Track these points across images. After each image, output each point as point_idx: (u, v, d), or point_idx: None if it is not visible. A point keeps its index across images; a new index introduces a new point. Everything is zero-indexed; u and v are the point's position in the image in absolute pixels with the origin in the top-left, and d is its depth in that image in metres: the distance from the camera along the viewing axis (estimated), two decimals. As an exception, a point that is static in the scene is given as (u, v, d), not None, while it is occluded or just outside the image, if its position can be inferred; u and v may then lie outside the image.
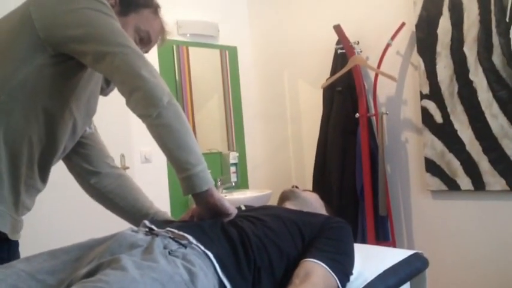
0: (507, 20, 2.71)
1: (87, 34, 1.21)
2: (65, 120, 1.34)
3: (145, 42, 1.45)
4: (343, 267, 1.45)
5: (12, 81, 1.22)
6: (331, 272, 1.39)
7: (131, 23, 1.40)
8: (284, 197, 1.83)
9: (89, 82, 1.38)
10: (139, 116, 1.26)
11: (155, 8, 1.48)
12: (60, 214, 2.74)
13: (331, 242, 1.49)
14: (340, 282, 1.41)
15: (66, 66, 1.27)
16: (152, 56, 3.36)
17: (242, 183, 3.84)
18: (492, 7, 2.76)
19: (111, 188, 1.62)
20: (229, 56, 3.87)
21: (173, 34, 3.49)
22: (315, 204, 1.82)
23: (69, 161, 1.59)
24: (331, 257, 1.43)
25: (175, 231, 1.31)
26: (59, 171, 1.52)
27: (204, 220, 1.43)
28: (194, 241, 1.27)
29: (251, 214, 1.55)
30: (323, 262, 1.40)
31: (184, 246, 1.25)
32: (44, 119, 1.28)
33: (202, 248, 1.26)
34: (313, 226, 1.55)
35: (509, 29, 2.71)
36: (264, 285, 1.34)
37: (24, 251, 1.37)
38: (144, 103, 1.23)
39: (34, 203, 1.40)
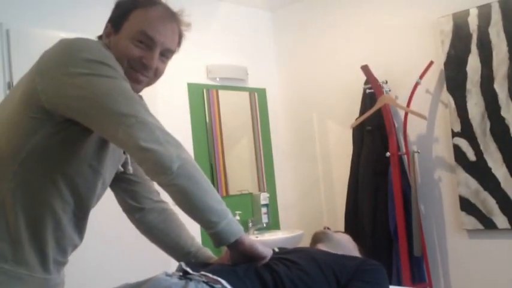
0: (537, 56, 2.70)
1: (88, 107, 1.20)
2: (89, 180, 1.35)
3: (147, 44, 1.32)
4: (379, 311, 1.42)
5: (22, 152, 1.23)
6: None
7: (125, 34, 1.32)
8: (316, 238, 1.81)
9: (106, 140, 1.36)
10: (155, 182, 1.29)
11: (144, 3, 1.34)
12: (105, 256, 2.82)
13: (366, 286, 1.46)
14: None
15: (74, 131, 1.26)
16: (183, 100, 3.44)
17: (273, 224, 3.82)
18: (521, 43, 2.76)
19: (154, 223, 1.62)
20: (259, 98, 3.92)
21: (203, 78, 3.59)
22: (348, 246, 1.80)
23: (116, 195, 1.61)
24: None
25: (210, 275, 1.31)
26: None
27: (239, 264, 1.43)
28: (228, 286, 1.27)
29: (285, 257, 1.53)
30: (358, 306, 1.38)
31: (218, 290, 1.25)
32: (65, 184, 1.29)
33: (236, 292, 1.25)
34: (348, 269, 1.53)
35: (540, 65, 2.69)
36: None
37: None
38: (154, 173, 1.24)
39: (70, 255, 1.41)
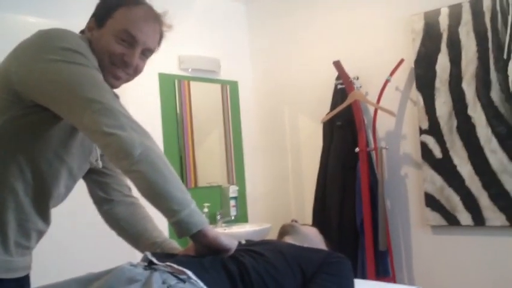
0: (505, 57, 2.76)
1: (57, 91, 1.23)
2: (53, 167, 1.36)
3: (130, 42, 1.36)
4: (343, 304, 1.44)
5: None
6: (331, 308, 1.38)
7: (109, 30, 1.35)
8: (284, 231, 1.82)
9: (76, 128, 1.37)
10: (117, 168, 1.29)
11: (129, 2, 1.38)
12: (72, 244, 2.81)
13: (331, 278, 1.48)
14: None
15: (43, 116, 1.28)
16: (154, 90, 3.41)
17: (241, 217, 3.82)
18: (490, 44, 2.81)
19: (122, 215, 1.64)
20: (230, 91, 3.91)
21: (175, 69, 3.56)
22: (315, 239, 1.81)
23: (87, 186, 1.64)
24: (330, 293, 1.42)
25: (175, 266, 1.30)
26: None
27: (204, 256, 1.43)
28: (193, 277, 1.26)
29: (252, 249, 1.54)
30: (322, 298, 1.39)
31: (183, 281, 1.24)
32: (28, 167, 1.30)
33: (201, 284, 1.25)
34: (314, 262, 1.54)
35: (507, 65, 2.75)
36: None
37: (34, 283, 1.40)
38: (116, 158, 1.25)
39: (37, 241, 1.42)
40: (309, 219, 3.44)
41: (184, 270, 1.28)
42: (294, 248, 1.65)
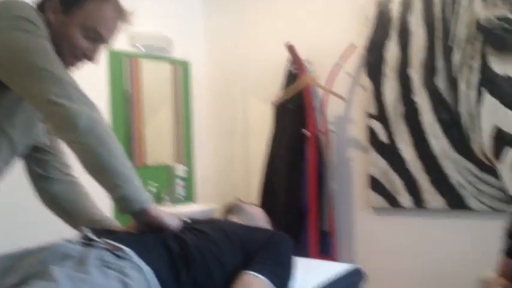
0: (451, 45, 2.83)
1: (7, 58, 1.21)
2: None
3: (95, 39, 1.37)
4: (282, 281, 1.46)
5: None
6: (269, 285, 1.40)
7: (76, 21, 1.33)
8: (228, 210, 1.83)
9: (22, 101, 1.34)
10: (61, 140, 1.27)
11: None
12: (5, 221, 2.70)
13: (271, 256, 1.49)
14: (278, 296, 1.41)
15: None
16: (101, 66, 3.31)
17: (189, 197, 3.81)
18: (438, 33, 2.87)
19: (60, 193, 1.61)
20: (182, 70, 3.85)
21: (124, 45, 3.47)
22: (259, 218, 1.82)
23: (24, 163, 1.60)
24: (270, 270, 1.43)
25: (113, 243, 1.28)
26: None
27: (146, 233, 1.41)
28: (132, 254, 1.25)
29: (195, 227, 1.54)
30: (262, 275, 1.40)
31: (122, 258, 1.22)
32: None
33: (140, 261, 1.24)
34: (258, 241, 1.55)
35: (453, 53, 2.83)
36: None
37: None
38: (60, 129, 1.23)
39: None
40: (257, 200, 3.46)
41: (123, 247, 1.27)
42: (238, 226, 1.66)
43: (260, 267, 1.43)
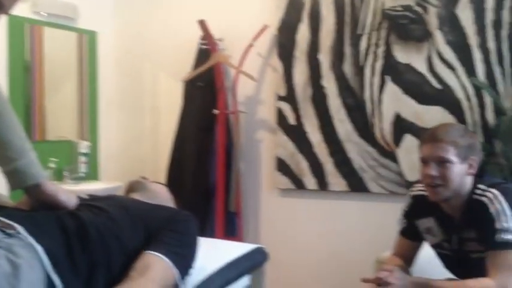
0: (359, 32, 2.92)
1: None
2: None
3: None
4: (184, 261, 1.44)
5: None
6: (171, 265, 1.37)
7: None
8: (131, 187, 1.77)
9: None
10: None
11: None
12: None
13: (174, 235, 1.47)
14: (179, 276, 1.39)
15: None
16: (0, 33, 3.09)
17: (92, 175, 3.66)
18: (347, 18, 2.95)
19: None
20: (89, 41, 3.66)
21: (26, 11, 3.24)
22: (163, 196, 1.79)
23: None
24: (173, 250, 1.41)
25: (3, 219, 1.20)
26: None
27: (38, 210, 1.33)
28: (23, 231, 1.18)
29: (94, 204, 1.47)
30: (164, 255, 1.38)
31: (11, 236, 1.15)
32: None
33: (31, 239, 1.17)
34: (160, 219, 1.52)
35: (360, 40, 2.91)
36: (99, 282, 1.28)
37: None
38: None
39: None
40: (164, 179, 3.40)
41: (14, 224, 1.19)
42: (140, 204, 1.62)
43: (162, 247, 1.40)
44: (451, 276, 1.90)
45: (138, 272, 1.30)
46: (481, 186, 1.71)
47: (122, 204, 1.53)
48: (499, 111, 2.55)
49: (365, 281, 1.67)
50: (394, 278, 1.62)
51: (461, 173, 1.69)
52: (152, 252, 1.37)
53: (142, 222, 1.47)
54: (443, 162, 1.68)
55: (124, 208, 1.50)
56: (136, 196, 1.73)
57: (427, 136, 1.76)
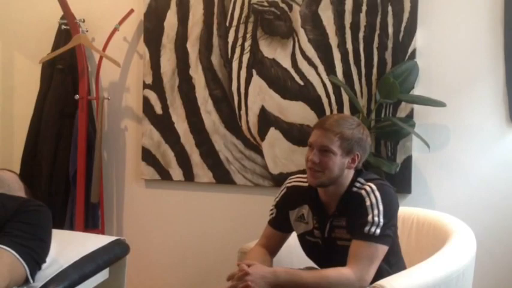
0: (227, 24, 2.93)
1: None
2: None
3: None
4: (34, 254, 1.34)
5: None
6: (20, 259, 1.28)
7: None
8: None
9: None
10: None
11: None
12: None
13: (25, 227, 1.37)
14: (29, 271, 1.30)
15: None
16: None
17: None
18: (215, 9, 2.95)
19: None
20: None
21: None
22: (12, 185, 1.66)
23: None
24: (22, 243, 1.32)
25: None
26: None
27: None
28: None
29: None
30: (12, 248, 1.28)
31: None
32: None
33: None
34: (8, 209, 1.41)
35: (228, 32, 2.93)
36: None
37: None
38: None
39: None
40: (17, 167, 3.15)
41: None
42: (-16, 193, 1.48)
43: (8, 239, 1.30)
44: (310, 265, 1.99)
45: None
46: (360, 179, 1.82)
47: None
48: (355, 109, 2.72)
49: (229, 279, 1.69)
50: (251, 279, 1.63)
51: (341, 165, 1.77)
52: (-1, 245, 1.26)
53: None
54: (326, 151, 1.75)
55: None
56: (-21, 185, 1.58)
57: (319, 122, 1.83)
